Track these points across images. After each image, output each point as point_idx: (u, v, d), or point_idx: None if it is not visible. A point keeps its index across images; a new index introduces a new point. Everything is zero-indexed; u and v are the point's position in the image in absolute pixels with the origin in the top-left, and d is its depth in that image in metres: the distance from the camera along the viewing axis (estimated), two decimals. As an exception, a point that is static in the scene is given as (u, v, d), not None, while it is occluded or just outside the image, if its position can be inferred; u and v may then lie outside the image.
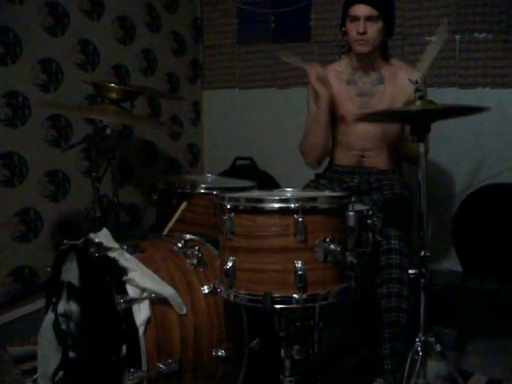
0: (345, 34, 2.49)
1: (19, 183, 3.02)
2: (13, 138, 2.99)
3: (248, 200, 1.64)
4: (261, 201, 1.61)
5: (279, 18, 4.01)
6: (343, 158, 2.61)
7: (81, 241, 1.93)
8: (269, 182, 3.82)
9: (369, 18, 2.35)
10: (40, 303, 2.90)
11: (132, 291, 1.73)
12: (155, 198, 2.46)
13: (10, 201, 2.98)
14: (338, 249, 1.62)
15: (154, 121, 3.70)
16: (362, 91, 2.52)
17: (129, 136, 3.62)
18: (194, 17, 4.23)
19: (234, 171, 3.90)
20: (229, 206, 1.64)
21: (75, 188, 3.30)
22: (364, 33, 2.37)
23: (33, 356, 2.46)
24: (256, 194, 1.93)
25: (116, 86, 2.26)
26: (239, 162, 4.01)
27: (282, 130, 3.89)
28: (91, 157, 2.55)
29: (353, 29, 2.40)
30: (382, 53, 2.51)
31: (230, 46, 4.19)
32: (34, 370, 2.32)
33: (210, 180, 2.66)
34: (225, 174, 3.82)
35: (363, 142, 2.53)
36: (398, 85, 2.47)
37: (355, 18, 2.38)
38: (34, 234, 3.10)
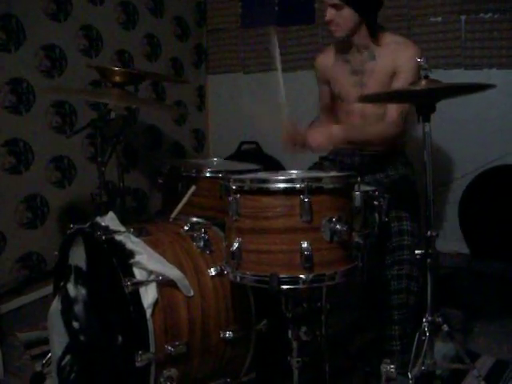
0: None
1: (25, 170, 3.03)
2: (18, 124, 3.00)
3: (253, 181, 1.63)
4: (266, 181, 1.61)
5: (283, 1, 3.97)
6: None
7: (87, 225, 1.93)
8: (274, 166, 3.81)
9: (333, 6, 2.36)
10: (48, 289, 2.92)
11: (139, 274, 1.73)
12: (161, 182, 2.46)
13: (16, 188, 3.00)
14: (344, 229, 1.62)
15: (159, 103, 3.69)
16: (353, 69, 2.51)
17: (133, 121, 3.62)
18: (198, 1, 4.21)
19: (239, 155, 3.89)
20: (234, 187, 1.63)
21: (81, 174, 3.31)
22: (330, 21, 2.39)
23: (42, 341, 2.49)
24: (261, 175, 1.92)
25: (120, 69, 2.25)
26: (244, 146, 4.00)
27: (287, 113, 3.87)
28: (96, 142, 2.55)
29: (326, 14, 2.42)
30: (367, 32, 2.44)
31: (234, 29, 4.17)
32: (44, 355, 2.34)
33: (215, 164, 2.65)
34: (230, 158, 3.81)
35: (362, 121, 2.51)
36: (391, 59, 2.41)
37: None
38: (41, 221, 3.12)
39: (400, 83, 2.33)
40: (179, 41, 4.07)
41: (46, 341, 2.41)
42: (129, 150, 3.63)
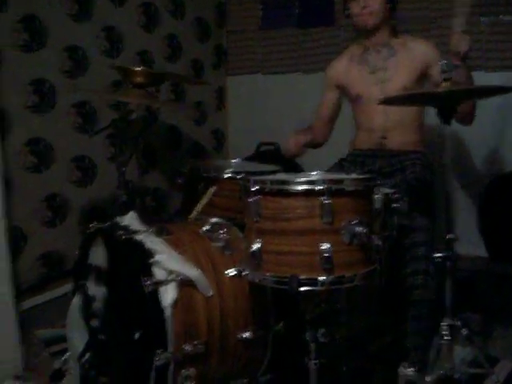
0: (349, 16, 2.57)
1: (46, 169, 3.06)
2: (40, 124, 3.03)
3: (274, 182, 1.64)
4: (287, 183, 1.61)
5: (303, 3, 3.97)
6: (365, 141, 2.61)
7: (107, 224, 1.95)
8: (293, 167, 3.80)
9: None
10: (68, 287, 2.95)
11: (159, 273, 1.74)
12: (180, 182, 2.47)
13: (37, 187, 3.03)
14: (364, 231, 1.62)
15: (180, 104, 3.70)
16: (374, 68, 2.54)
17: (154, 121, 3.65)
18: (218, 2, 4.22)
19: (258, 156, 3.89)
20: (255, 189, 1.64)
21: (101, 173, 3.33)
22: (365, 6, 2.46)
23: (61, 338, 2.51)
24: (282, 176, 1.92)
25: (141, 70, 2.27)
26: (263, 148, 4.01)
27: (306, 115, 3.87)
28: (117, 142, 2.57)
29: (355, 6, 2.49)
30: (389, 28, 2.55)
31: (254, 31, 4.18)
32: (63, 352, 2.37)
33: (234, 165, 2.66)
34: (249, 159, 3.81)
35: (384, 121, 2.52)
36: (411, 54, 2.50)
37: None
38: (61, 220, 3.15)
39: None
40: (199, 42, 4.09)
41: (64, 338, 2.44)
42: (148, 150, 3.65)
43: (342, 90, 2.70)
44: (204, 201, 2.22)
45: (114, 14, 3.43)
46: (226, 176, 2.28)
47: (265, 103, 4.17)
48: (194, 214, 2.22)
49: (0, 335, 2.36)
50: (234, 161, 2.75)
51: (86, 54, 3.25)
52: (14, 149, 2.90)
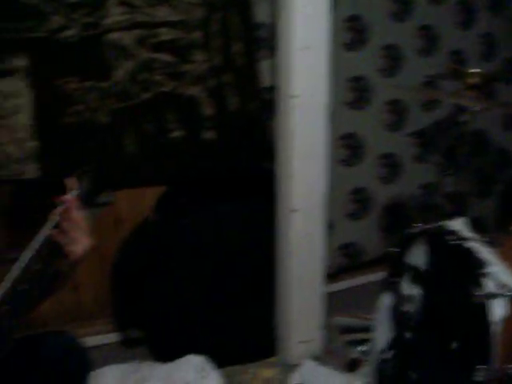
0: None
1: (356, 164, 3.18)
2: (354, 119, 3.15)
3: None
4: None
5: None
6: None
7: (434, 226, 1.94)
8: None
9: None
10: (363, 279, 3.06)
11: (490, 285, 1.69)
12: (501, 189, 2.36)
13: (346, 179, 3.17)
14: None
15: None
16: None
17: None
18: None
19: None
20: None
21: (405, 172, 3.35)
22: None
23: (356, 328, 2.60)
24: None
25: (476, 71, 2.21)
26: None
27: None
28: (427, 142, 2.52)
29: None
30: None
31: None
32: (357, 342, 2.45)
33: None
34: None
35: None
36: None
37: None
38: (365, 213, 3.25)
39: None
40: (516, 40, 3.84)
41: (359, 329, 2.52)
42: (452, 153, 3.56)
43: None
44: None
45: (431, 12, 3.39)
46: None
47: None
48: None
49: (308, 316, 2.53)
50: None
51: (402, 53, 3.27)
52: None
